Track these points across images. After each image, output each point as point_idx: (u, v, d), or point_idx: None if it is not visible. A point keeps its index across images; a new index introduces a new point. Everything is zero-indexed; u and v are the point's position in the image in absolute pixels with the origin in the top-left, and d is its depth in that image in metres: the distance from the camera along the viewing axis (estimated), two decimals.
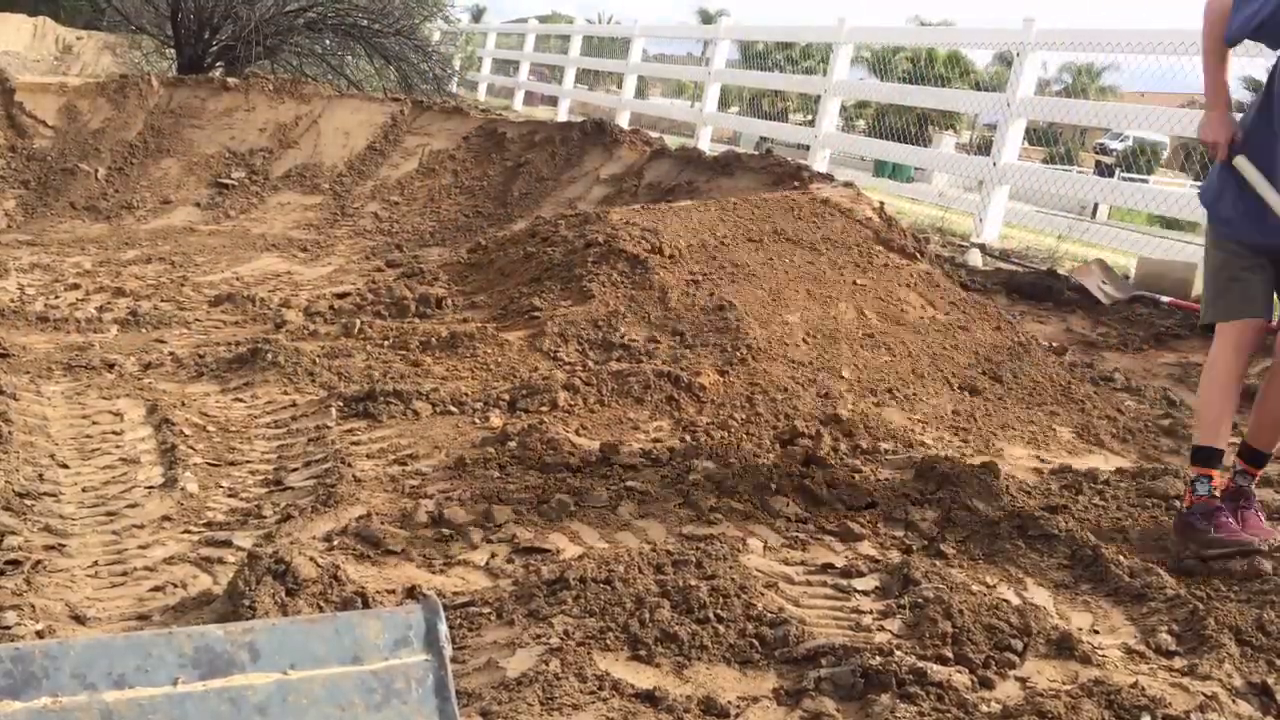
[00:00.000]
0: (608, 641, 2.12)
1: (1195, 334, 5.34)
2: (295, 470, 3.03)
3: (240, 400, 3.63)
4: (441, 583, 2.39)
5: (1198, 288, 6.29)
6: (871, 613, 2.39)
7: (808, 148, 10.66)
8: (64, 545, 2.49)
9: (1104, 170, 20.32)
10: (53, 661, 1.10)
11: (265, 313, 4.85)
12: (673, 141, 8.93)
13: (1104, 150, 23.62)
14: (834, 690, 2.01)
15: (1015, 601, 2.44)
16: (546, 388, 3.62)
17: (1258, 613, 2.44)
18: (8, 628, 2.07)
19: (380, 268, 6.17)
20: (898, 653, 2.11)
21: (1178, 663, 2.28)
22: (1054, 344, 5.07)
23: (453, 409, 3.53)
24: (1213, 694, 2.13)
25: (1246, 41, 2.94)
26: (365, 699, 1.22)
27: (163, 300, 5.00)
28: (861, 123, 17.44)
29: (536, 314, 4.46)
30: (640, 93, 19.06)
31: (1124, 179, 16.08)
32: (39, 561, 2.38)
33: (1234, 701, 2.12)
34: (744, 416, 3.56)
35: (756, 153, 7.96)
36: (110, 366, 3.83)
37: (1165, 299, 6.05)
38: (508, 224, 6.97)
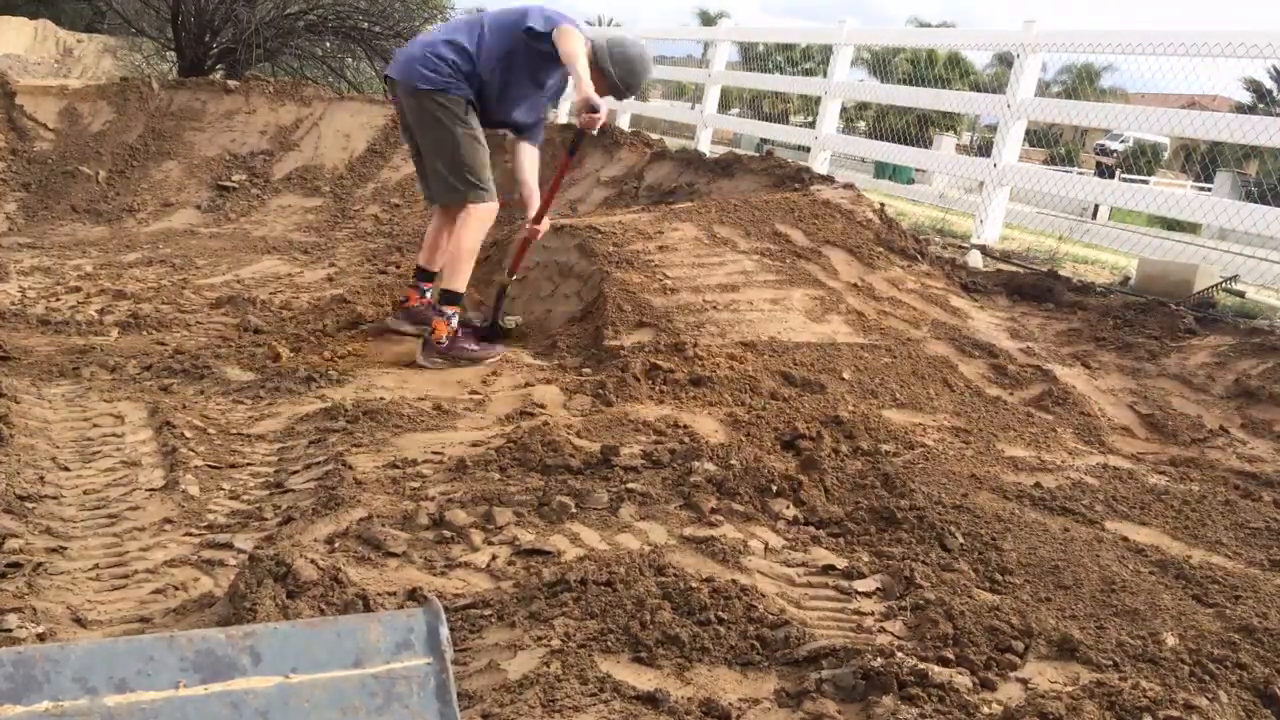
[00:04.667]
0: (609, 643, 2.12)
1: (1196, 335, 5.34)
2: (296, 473, 3.03)
3: (241, 403, 3.63)
4: (442, 585, 2.39)
5: (1198, 287, 6.29)
6: (873, 614, 2.39)
7: (808, 149, 10.66)
8: (65, 548, 2.49)
9: (1104, 171, 20.34)
10: (54, 665, 1.10)
11: (267, 315, 4.86)
12: (673, 143, 8.94)
13: (1104, 151, 23.64)
14: (835, 692, 2.00)
15: None
16: (548, 390, 3.62)
17: None
18: (9, 630, 2.07)
19: (382, 269, 6.17)
20: (899, 654, 2.11)
21: None
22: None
23: (454, 410, 3.53)
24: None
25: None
26: (367, 702, 1.22)
27: (164, 303, 5.00)
28: (862, 124, 17.44)
29: (540, 317, 4.46)
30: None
31: (1124, 180, 16.09)
32: (40, 564, 2.38)
33: None
34: (745, 418, 3.56)
35: (757, 154, 7.96)
36: (111, 369, 3.83)
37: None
38: (509, 226, 6.97)
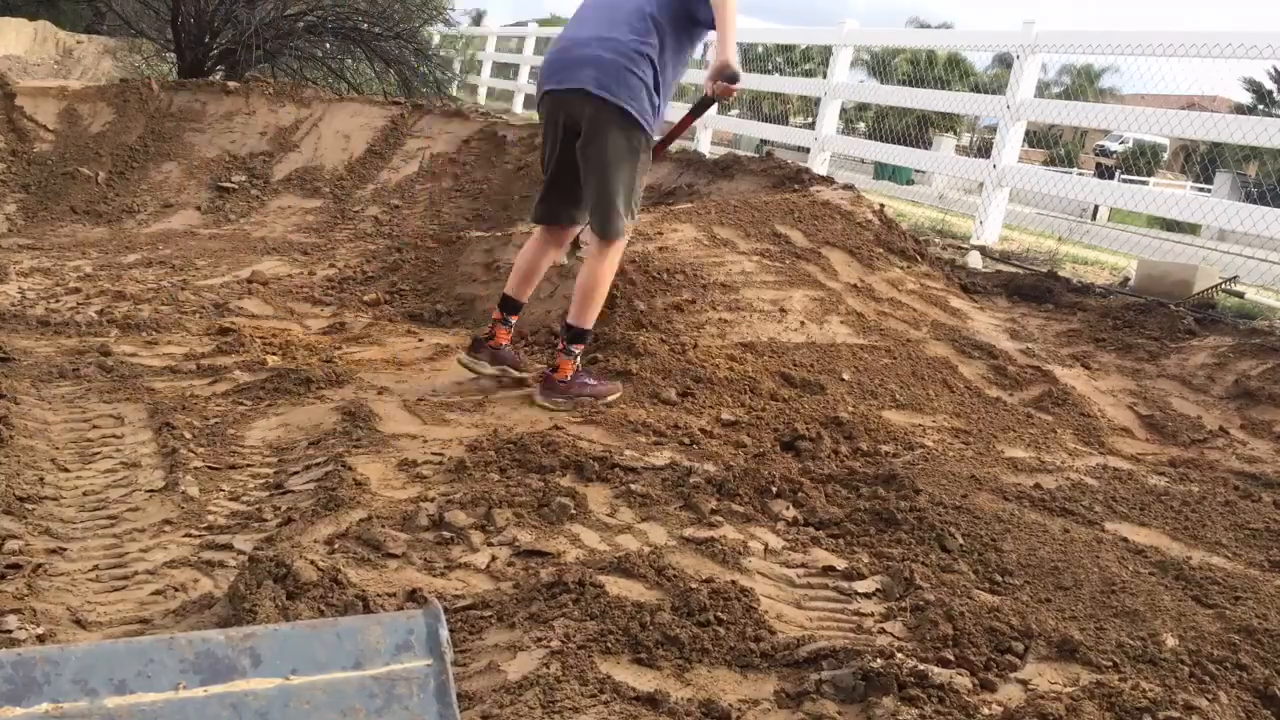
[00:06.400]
0: (609, 644, 2.12)
1: (1196, 336, 5.34)
2: (296, 474, 3.03)
3: (241, 403, 3.63)
4: (442, 586, 2.39)
5: (1198, 288, 6.29)
6: (873, 615, 2.39)
7: (808, 150, 10.67)
8: (65, 549, 2.49)
9: (1104, 172, 20.35)
10: (54, 667, 1.10)
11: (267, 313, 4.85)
12: (673, 144, 8.92)
13: (1104, 152, 23.64)
14: (835, 693, 2.00)
15: None
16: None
17: None
18: (9, 632, 2.07)
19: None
20: (899, 655, 2.11)
21: None
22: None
23: (454, 412, 3.53)
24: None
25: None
26: (367, 704, 1.22)
27: (163, 304, 5.00)
28: (862, 125, 17.45)
29: (540, 317, 4.46)
30: None
31: (1124, 181, 16.09)
32: (40, 565, 2.38)
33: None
34: (745, 419, 3.56)
35: (757, 155, 7.96)
36: (111, 370, 3.83)
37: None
38: (509, 227, 6.97)
